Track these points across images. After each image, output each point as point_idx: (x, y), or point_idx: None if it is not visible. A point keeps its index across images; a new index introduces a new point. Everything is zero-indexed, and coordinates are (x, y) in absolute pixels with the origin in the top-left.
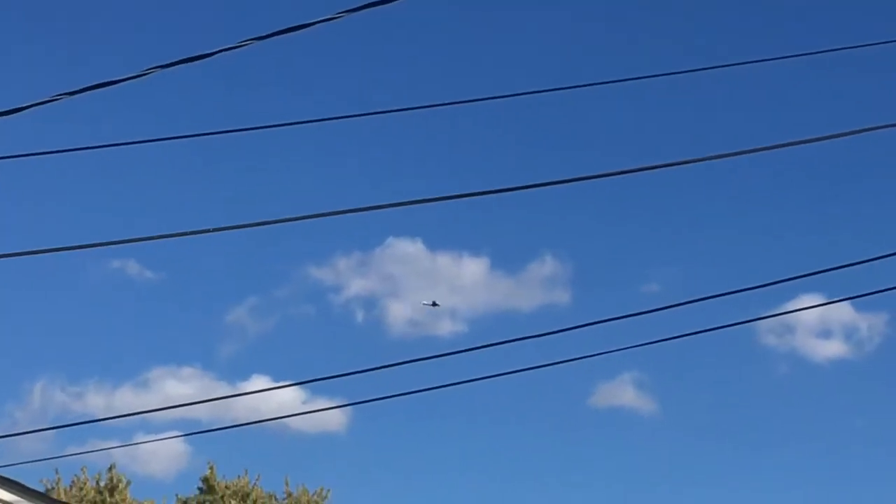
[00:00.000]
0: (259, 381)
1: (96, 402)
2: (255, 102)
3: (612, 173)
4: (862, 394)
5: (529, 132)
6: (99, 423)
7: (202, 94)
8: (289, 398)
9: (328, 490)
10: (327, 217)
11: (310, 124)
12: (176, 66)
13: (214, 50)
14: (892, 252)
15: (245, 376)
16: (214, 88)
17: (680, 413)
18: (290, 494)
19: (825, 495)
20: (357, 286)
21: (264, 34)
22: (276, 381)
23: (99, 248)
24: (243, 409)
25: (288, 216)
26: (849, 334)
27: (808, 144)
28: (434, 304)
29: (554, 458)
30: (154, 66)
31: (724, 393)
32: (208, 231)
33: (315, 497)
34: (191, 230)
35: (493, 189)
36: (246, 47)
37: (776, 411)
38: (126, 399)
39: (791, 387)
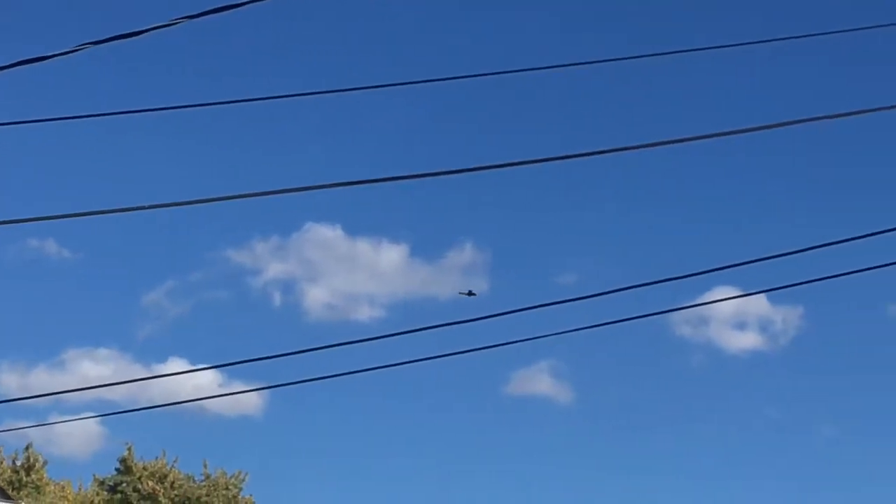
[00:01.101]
0: (176, 364)
1: (10, 381)
2: (178, 83)
3: (530, 161)
4: (776, 385)
5: (452, 118)
6: (13, 402)
7: (129, 71)
8: (206, 381)
9: (246, 473)
10: (246, 200)
11: (231, 105)
12: (107, 43)
13: (146, 27)
14: (807, 247)
15: (162, 359)
16: (141, 67)
17: (595, 401)
18: (208, 476)
19: (738, 483)
20: (275, 270)
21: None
22: (194, 363)
23: (16, 225)
24: (160, 391)
25: (205, 197)
26: (764, 326)
27: (722, 138)
28: (470, 294)
29: (470, 443)
30: (86, 42)
31: (640, 382)
32: (126, 210)
33: (233, 480)
34: (109, 209)
35: (409, 174)
36: (177, 26)
37: (691, 401)
38: (41, 379)
39: (706, 377)
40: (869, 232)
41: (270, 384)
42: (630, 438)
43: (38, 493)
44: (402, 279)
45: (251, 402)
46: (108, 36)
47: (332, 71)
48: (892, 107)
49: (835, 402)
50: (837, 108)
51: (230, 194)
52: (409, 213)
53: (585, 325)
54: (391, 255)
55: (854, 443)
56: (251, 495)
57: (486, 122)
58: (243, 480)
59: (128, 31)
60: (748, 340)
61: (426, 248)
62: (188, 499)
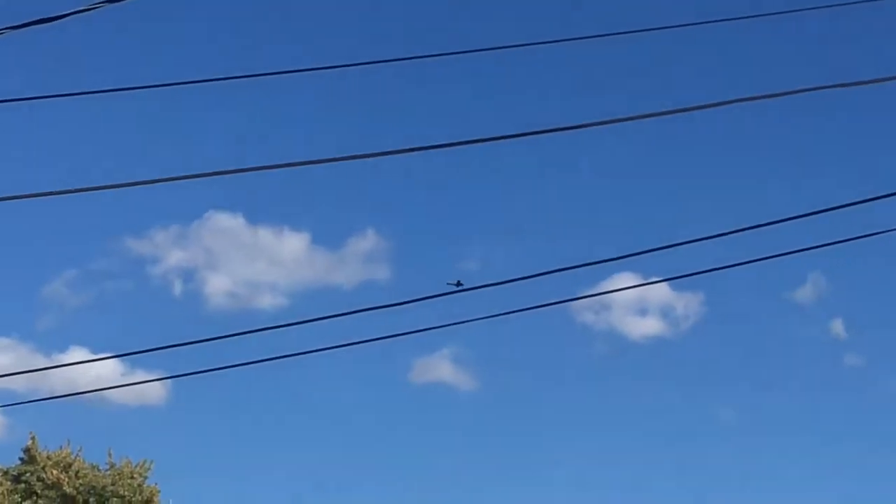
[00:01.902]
0: (77, 353)
1: None
2: (88, 68)
3: (430, 147)
4: (677, 370)
5: (355, 104)
6: None
7: (47, 56)
8: (107, 371)
9: (151, 462)
10: (146, 188)
11: (133, 92)
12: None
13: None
14: (708, 235)
15: (63, 348)
16: (58, 51)
17: (498, 389)
18: (113, 465)
19: (638, 468)
20: (175, 258)
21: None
22: (95, 353)
23: None
24: (61, 381)
25: (105, 185)
26: (665, 312)
27: (625, 123)
28: (458, 284)
29: (373, 432)
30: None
31: (542, 370)
32: (24, 197)
33: (138, 468)
34: (6, 196)
35: (308, 160)
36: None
37: (594, 387)
38: None
39: (608, 363)
40: (768, 221)
41: (173, 374)
42: (533, 426)
43: None
44: (303, 267)
45: (153, 391)
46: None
47: (235, 57)
48: (796, 91)
49: (734, 387)
50: (746, 93)
51: (130, 181)
52: (311, 200)
53: (488, 315)
54: (293, 243)
55: (752, 427)
56: (157, 484)
57: (387, 108)
58: (148, 469)
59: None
60: (650, 327)
61: (328, 235)
62: (93, 488)
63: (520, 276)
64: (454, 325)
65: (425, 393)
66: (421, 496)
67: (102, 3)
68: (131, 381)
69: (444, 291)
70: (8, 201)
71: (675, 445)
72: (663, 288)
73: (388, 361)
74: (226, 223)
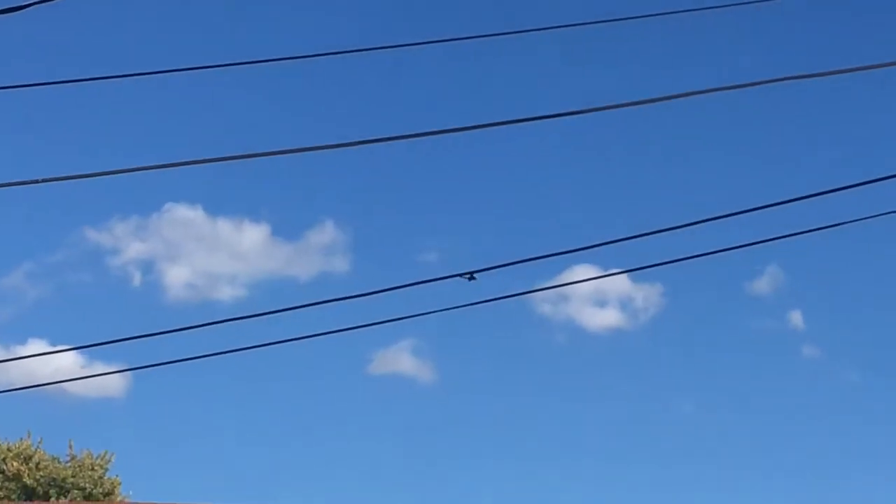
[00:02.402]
0: (36, 345)
1: None
2: (44, 59)
3: (390, 138)
4: (636, 362)
5: (312, 95)
6: None
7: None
8: (67, 363)
9: (112, 454)
10: (105, 179)
11: (91, 83)
12: None
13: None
14: (667, 227)
15: (21, 340)
16: (19, 39)
17: (457, 381)
18: (73, 457)
19: (597, 460)
20: (135, 250)
21: None
22: (54, 345)
23: None
24: (20, 373)
25: (63, 175)
26: (624, 304)
27: (583, 115)
28: (471, 278)
29: (334, 423)
30: None
31: (501, 361)
32: None
33: (99, 460)
34: None
35: (267, 151)
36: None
37: (554, 379)
38: None
39: (567, 355)
40: (727, 213)
41: (132, 366)
42: (492, 417)
43: None
44: (263, 259)
45: (113, 383)
46: None
47: (191, 49)
48: (764, 82)
49: (693, 378)
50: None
51: (88, 172)
52: (270, 192)
53: (447, 307)
54: (252, 235)
55: (711, 418)
56: (118, 476)
57: (350, 99)
58: (109, 461)
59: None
60: (609, 318)
61: (287, 227)
62: (54, 479)
63: (479, 269)
64: (414, 317)
65: (385, 384)
66: (380, 487)
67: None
68: (91, 374)
69: (403, 283)
70: None
71: (633, 437)
72: (622, 280)
73: (347, 353)
74: (185, 215)
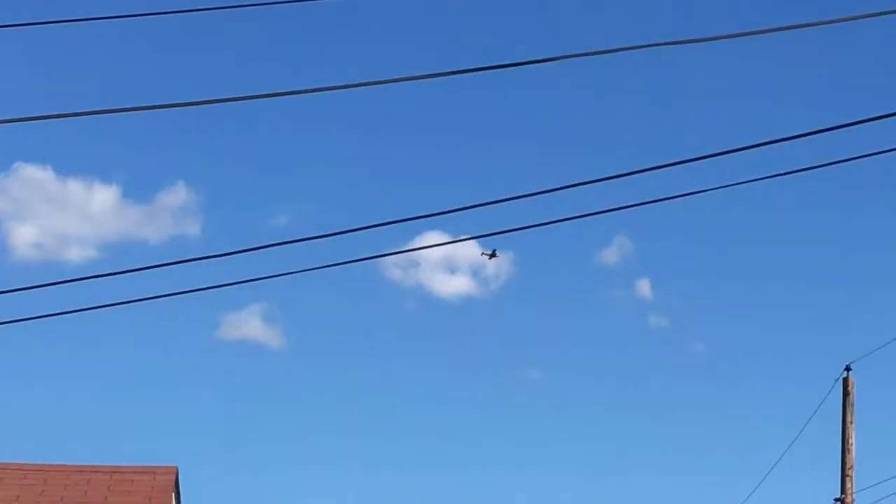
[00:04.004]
0: None
1: None
2: None
3: (242, 98)
4: (486, 329)
5: (170, 50)
6: None
7: None
8: None
9: None
10: None
11: None
12: None
13: None
14: (517, 195)
15: None
16: None
17: (307, 346)
18: None
19: (440, 427)
20: None
21: None
22: None
23: None
24: None
25: None
26: (475, 271)
27: (430, 80)
28: (493, 254)
29: (181, 388)
30: None
31: (352, 327)
32: None
33: None
34: None
35: (114, 108)
36: None
37: (404, 345)
38: None
39: (417, 321)
40: (576, 182)
41: None
42: (342, 383)
43: None
44: (113, 220)
45: None
46: None
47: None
48: (606, 51)
49: (541, 347)
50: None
51: None
52: (122, 152)
53: (296, 270)
54: (102, 196)
55: (558, 384)
56: None
57: (203, 58)
58: None
59: None
60: (459, 285)
61: (138, 189)
62: None
63: (329, 233)
64: (263, 280)
65: (233, 349)
66: (229, 454)
67: None
68: None
69: (253, 246)
70: None
71: (483, 404)
72: (473, 247)
73: (195, 317)
74: (34, 174)
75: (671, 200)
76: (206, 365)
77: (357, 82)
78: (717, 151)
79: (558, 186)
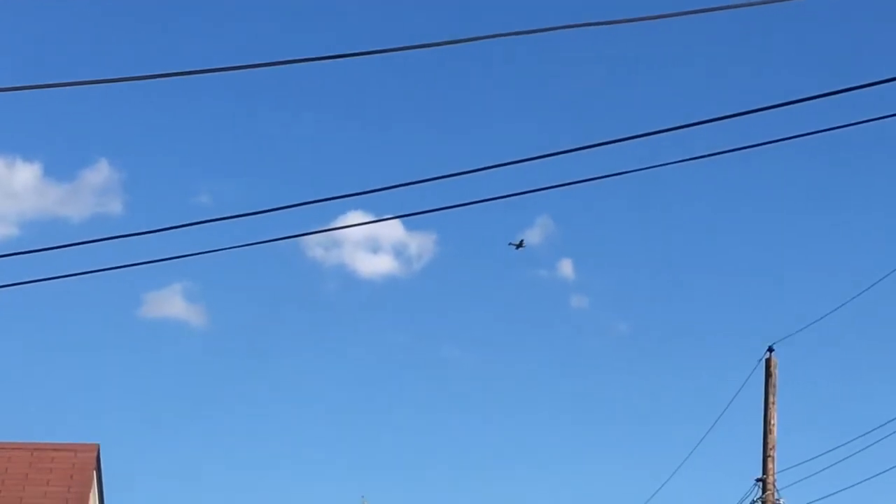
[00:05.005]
0: None
1: None
2: None
3: (158, 75)
4: (408, 309)
5: (89, 27)
6: None
7: None
8: None
9: None
10: None
11: None
12: None
13: None
14: (441, 175)
15: None
16: None
17: (229, 325)
18: None
19: (370, 404)
20: None
21: None
22: None
23: None
24: None
25: None
26: (398, 251)
27: (360, 58)
28: (520, 245)
29: (104, 366)
30: None
31: (273, 305)
32: None
33: None
34: None
35: (33, 85)
36: None
37: (325, 323)
38: None
39: (339, 300)
40: (499, 162)
41: None
42: (263, 362)
43: None
44: (35, 198)
45: None
46: None
47: None
48: (532, 31)
49: (463, 327)
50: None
51: None
52: (44, 130)
53: (218, 248)
54: (24, 174)
55: (479, 366)
56: None
57: (128, 33)
58: None
59: None
60: (382, 264)
61: (60, 167)
62: None
63: (251, 211)
64: (185, 259)
65: (155, 327)
66: (151, 431)
67: None
68: None
69: (175, 224)
70: None
71: (404, 382)
72: (396, 227)
73: (118, 296)
74: None
75: (593, 182)
76: (128, 343)
77: (277, 60)
78: (636, 134)
79: (481, 167)
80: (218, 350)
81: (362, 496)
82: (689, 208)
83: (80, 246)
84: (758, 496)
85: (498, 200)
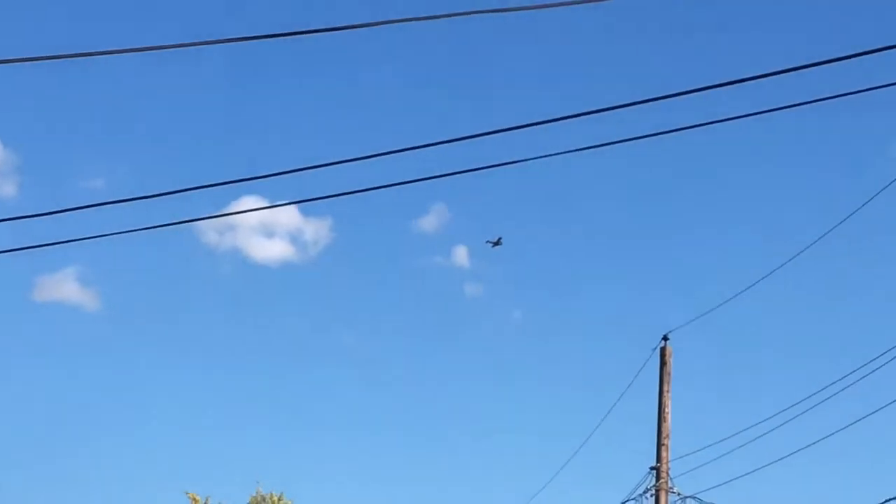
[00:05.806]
0: None
1: None
2: None
3: (54, 56)
4: (304, 294)
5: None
6: None
7: None
8: None
9: None
10: None
11: None
12: None
13: None
14: (337, 160)
15: None
16: None
17: (122, 309)
18: None
19: (264, 393)
20: None
21: None
22: None
23: None
24: None
25: None
26: (294, 237)
27: (248, 42)
28: (497, 242)
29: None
30: None
31: (168, 290)
32: None
33: None
34: None
35: None
36: None
37: (222, 309)
38: None
39: (233, 285)
40: (396, 149)
41: None
42: (157, 346)
43: None
44: None
45: None
46: None
47: None
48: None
49: (357, 313)
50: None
51: None
52: None
53: (112, 232)
54: None
55: (370, 345)
56: None
57: (27, 13)
58: None
59: None
60: (277, 250)
61: None
62: None
63: (144, 195)
64: (79, 242)
65: (48, 311)
66: (46, 417)
67: None
68: None
69: (69, 207)
70: None
71: (298, 368)
72: (293, 213)
73: (10, 279)
74: None
75: (489, 169)
76: (20, 327)
77: (174, 43)
78: (532, 122)
79: (377, 153)
80: (112, 334)
81: (257, 482)
82: (585, 198)
83: None
84: (651, 484)
85: (394, 187)
